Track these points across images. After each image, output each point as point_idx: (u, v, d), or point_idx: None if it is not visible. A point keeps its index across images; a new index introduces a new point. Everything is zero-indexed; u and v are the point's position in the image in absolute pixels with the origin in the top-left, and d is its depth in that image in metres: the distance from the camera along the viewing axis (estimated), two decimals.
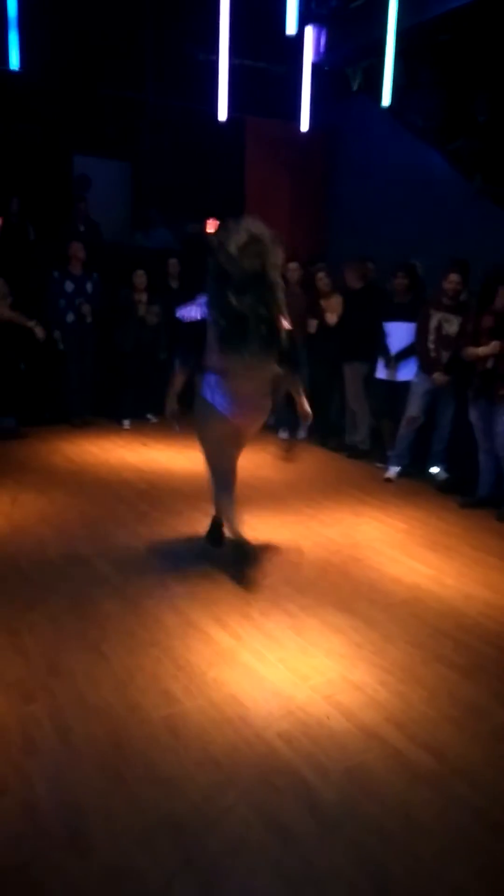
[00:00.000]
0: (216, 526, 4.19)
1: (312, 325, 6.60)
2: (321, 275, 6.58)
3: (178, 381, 3.71)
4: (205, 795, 2.23)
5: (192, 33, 7.72)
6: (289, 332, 3.56)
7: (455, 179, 7.28)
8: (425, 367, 5.53)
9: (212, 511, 4.20)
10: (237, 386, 3.56)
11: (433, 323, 5.45)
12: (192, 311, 3.52)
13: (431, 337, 5.45)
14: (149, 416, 7.21)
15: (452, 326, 5.37)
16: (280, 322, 3.48)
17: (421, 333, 5.54)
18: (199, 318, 3.49)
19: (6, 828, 2.08)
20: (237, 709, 2.67)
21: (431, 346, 5.45)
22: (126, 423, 7.10)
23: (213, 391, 3.59)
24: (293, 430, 7.00)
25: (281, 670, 2.95)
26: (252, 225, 3.37)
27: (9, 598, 3.48)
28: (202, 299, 3.50)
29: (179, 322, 3.63)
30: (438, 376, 5.41)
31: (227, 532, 4.06)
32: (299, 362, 4.21)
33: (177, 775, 2.32)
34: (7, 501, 4.85)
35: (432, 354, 5.46)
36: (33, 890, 1.89)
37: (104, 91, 8.13)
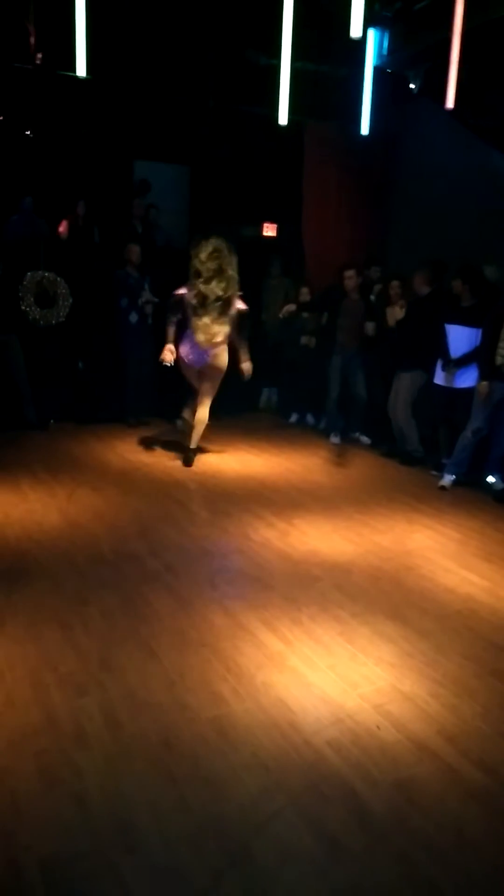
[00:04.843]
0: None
1: (370, 327, 6.56)
2: (395, 283, 6.58)
3: (171, 330, 5.62)
4: (253, 799, 2.23)
5: (252, 38, 7.75)
6: (241, 310, 5.63)
7: None
8: (489, 376, 5.28)
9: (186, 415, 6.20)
10: (199, 340, 5.48)
11: None
12: (182, 289, 5.53)
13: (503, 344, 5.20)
14: None
15: None
16: (234, 301, 5.49)
17: (489, 340, 5.28)
18: (185, 293, 5.49)
19: (57, 819, 2.12)
20: (286, 714, 2.66)
21: (502, 350, 5.20)
22: (179, 423, 7.17)
23: (185, 346, 5.63)
24: (344, 434, 6.96)
25: (330, 677, 2.92)
26: (214, 241, 5.40)
27: (63, 593, 3.56)
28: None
29: (173, 295, 5.60)
30: (483, 386, 5.27)
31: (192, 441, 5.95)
32: (248, 328, 5.88)
33: (225, 777, 2.32)
34: (63, 497, 4.96)
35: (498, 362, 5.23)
36: (82, 882, 1.92)
37: (165, 96, 8.24)
